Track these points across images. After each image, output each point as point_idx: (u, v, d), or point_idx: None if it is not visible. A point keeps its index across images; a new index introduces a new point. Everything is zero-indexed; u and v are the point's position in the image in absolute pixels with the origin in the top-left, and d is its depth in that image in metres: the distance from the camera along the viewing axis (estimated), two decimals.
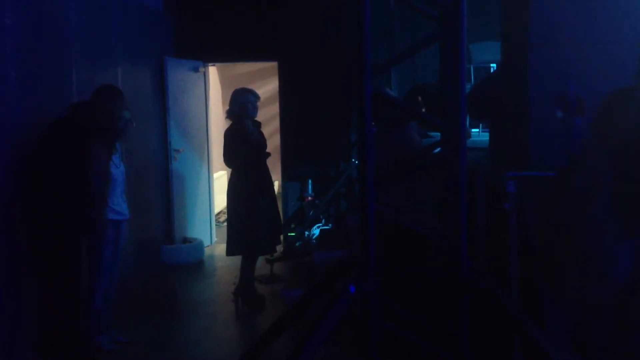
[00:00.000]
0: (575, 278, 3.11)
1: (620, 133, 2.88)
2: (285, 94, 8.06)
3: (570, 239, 3.09)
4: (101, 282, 4.50)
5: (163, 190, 7.24)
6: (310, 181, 7.94)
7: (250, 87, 11.38)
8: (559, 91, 3.45)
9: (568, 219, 3.13)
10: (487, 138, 5.06)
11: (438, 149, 2.83)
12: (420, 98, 4.71)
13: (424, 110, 5.46)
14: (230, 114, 5.65)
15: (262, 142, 5.68)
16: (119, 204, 4.62)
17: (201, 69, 7.87)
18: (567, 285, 3.23)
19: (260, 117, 11.24)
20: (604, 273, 2.85)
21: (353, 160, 7.78)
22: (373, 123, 2.97)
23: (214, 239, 8.12)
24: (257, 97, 5.72)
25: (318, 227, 7.75)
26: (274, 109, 8.72)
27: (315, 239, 7.54)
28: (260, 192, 5.53)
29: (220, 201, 9.60)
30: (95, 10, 5.64)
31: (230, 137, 5.59)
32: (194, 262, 7.17)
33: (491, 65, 6.86)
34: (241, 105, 5.56)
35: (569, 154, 3.28)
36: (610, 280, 2.82)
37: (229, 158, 5.63)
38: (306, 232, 7.63)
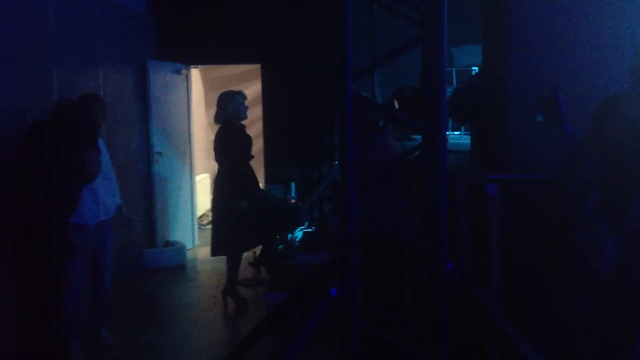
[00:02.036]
0: (562, 273, 3.17)
1: (610, 137, 2.93)
2: (269, 97, 8.05)
3: (562, 236, 3.17)
4: (70, 286, 4.41)
5: (145, 193, 7.19)
6: (293, 184, 7.93)
7: (233, 89, 11.41)
8: (540, 95, 3.48)
9: (562, 218, 3.21)
10: (469, 141, 5.10)
11: (417, 153, 2.84)
12: (395, 102, 4.74)
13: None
14: (222, 116, 5.67)
15: (250, 143, 5.77)
16: (102, 202, 4.56)
17: (183, 72, 7.84)
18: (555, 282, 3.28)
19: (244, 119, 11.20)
20: (593, 266, 2.91)
21: (336, 162, 7.78)
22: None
23: (197, 242, 8.08)
24: (245, 97, 5.85)
25: (301, 229, 7.73)
26: (257, 111, 8.71)
27: (299, 241, 7.52)
28: (244, 193, 5.56)
29: (202, 204, 9.57)
30: (76, 12, 5.60)
31: (224, 139, 5.61)
32: (176, 266, 7.14)
33: (473, 68, 6.92)
34: (235, 107, 5.62)
35: (563, 159, 3.33)
36: (599, 272, 2.88)
37: (222, 159, 5.67)
38: (289, 235, 7.61)
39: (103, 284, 4.70)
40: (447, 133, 6.99)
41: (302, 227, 7.74)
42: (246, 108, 5.79)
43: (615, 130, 2.90)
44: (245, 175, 5.65)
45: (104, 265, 4.68)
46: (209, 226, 9.25)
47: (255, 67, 8.52)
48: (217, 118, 5.76)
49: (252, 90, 10.22)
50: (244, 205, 5.53)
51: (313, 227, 7.85)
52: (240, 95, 5.77)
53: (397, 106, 4.73)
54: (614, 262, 2.80)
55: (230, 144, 5.61)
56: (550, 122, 3.36)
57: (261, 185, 8.45)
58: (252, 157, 5.79)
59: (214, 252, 5.78)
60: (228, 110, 5.64)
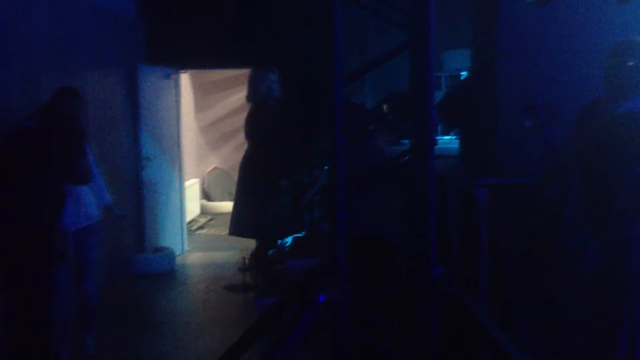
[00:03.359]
0: (548, 276, 3.19)
1: (588, 142, 2.96)
2: None
3: (545, 240, 3.19)
4: (56, 292, 4.35)
5: (134, 198, 7.16)
6: None
7: (223, 94, 11.41)
8: (528, 100, 3.50)
9: (544, 222, 3.23)
10: (458, 145, 5.11)
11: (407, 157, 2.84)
12: (384, 106, 4.76)
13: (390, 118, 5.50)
14: (255, 95, 5.66)
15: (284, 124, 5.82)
16: (84, 208, 4.51)
17: (173, 76, 7.82)
18: (540, 285, 3.30)
19: (235, 123, 11.21)
20: (575, 269, 2.93)
21: (326, 167, 7.77)
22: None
23: (186, 247, 8.05)
24: (277, 76, 5.84)
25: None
26: None
27: (289, 246, 7.51)
28: (284, 171, 5.57)
29: (192, 209, 9.55)
30: (65, 16, 5.58)
31: (259, 118, 5.61)
32: (166, 272, 7.09)
33: (462, 73, 6.94)
34: (268, 86, 5.61)
35: (545, 164, 3.35)
36: (580, 275, 2.90)
37: (256, 139, 5.66)
38: (279, 240, 7.60)
39: (87, 292, 4.64)
40: (437, 137, 7.03)
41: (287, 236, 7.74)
42: (279, 87, 5.73)
43: (593, 134, 2.94)
44: (282, 154, 5.61)
45: (87, 271, 4.60)
46: (199, 231, 9.27)
47: (246, 72, 8.50)
48: (250, 97, 5.74)
49: (242, 95, 10.20)
50: (284, 183, 5.50)
51: (303, 232, 7.85)
52: (273, 73, 5.75)
53: (386, 110, 4.75)
54: (595, 265, 2.82)
55: (265, 123, 5.57)
56: (536, 127, 3.38)
57: None
58: (288, 138, 5.78)
59: (233, 231, 5.75)
60: (261, 89, 5.63)
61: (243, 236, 5.72)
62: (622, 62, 2.89)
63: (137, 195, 7.21)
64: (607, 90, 2.99)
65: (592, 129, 2.96)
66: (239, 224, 5.67)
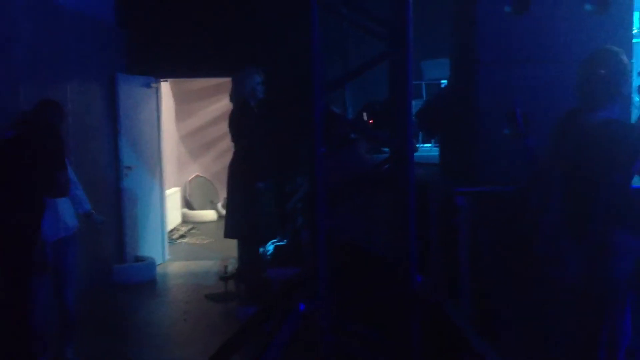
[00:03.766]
0: (528, 283, 3.22)
1: (567, 150, 2.99)
2: None
3: (525, 248, 3.22)
4: (35, 303, 4.30)
5: (114, 208, 7.10)
6: None
7: (204, 102, 11.38)
8: (508, 108, 3.54)
9: (524, 230, 3.26)
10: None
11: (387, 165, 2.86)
12: (364, 115, 4.78)
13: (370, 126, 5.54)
14: (237, 95, 5.66)
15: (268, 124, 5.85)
16: (62, 219, 4.47)
17: (153, 85, 7.79)
18: (521, 292, 3.32)
19: (216, 132, 11.17)
20: (555, 277, 2.96)
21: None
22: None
23: (167, 257, 8.00)
24: (262, 78, 5.85)
25: (273, 243, 7.71)
26: None
27: (270, 255, 7.49)
28: (261, 176, 5.56)
29: (173, 218, 9.49)
30: (45, 24, 5.54)
31: (239, 119, 5.65)
32: (146, 281, 7.04)
33: (442, 81, 6.99)
34: (252, 86, 5.61)
35: (524, 172, 3.38)
36: (561, 283, 2.93)
37: (237, 140, 5.72)
38: (260, 249, 7.58)
39: (66, 303, 4.59)
40: (418, 145, 7.07)
41: (274, 240, 7.73)
42: (263, 88, 5.74)
43: (572, 143, 2.97)
44: (263, 156, 5.62)
45: (65, 282, 4.56)
46: (180, 240, 9.22)
47: (227, 81, 8.50)
48: (233, 97, 5.74)
49: (223, 104, 10.20)
50: (260, 186, 5.50)
51: (285, 241, 7.83)
52: (258, 74, 5.75)
53: (366, 118, 4.77)
54: (575, 273, 2.85)
55: (244, 124, 5.56)
56: (515, 135, 3.41)
57: None
58: (271, 139, 5.80)
59: (227, 234, 5.82)
60: (244, 89, 5.63)
61: (232, 238, 5.77)
62: (594, 72, 2.93)
63: (117, 205, 7.16)
64: (581, 99, 3.03)
65: (571, 138, 3.00)
66: (227, 226, 5.73)
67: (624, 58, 2.98)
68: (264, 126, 5.68)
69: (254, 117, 5.63)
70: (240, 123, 5.60)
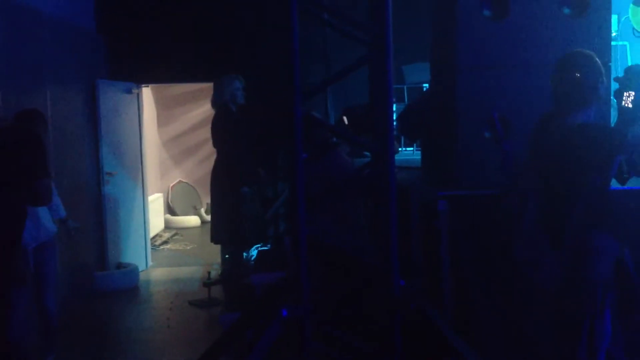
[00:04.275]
0: (508, 287, 3.24)
1: (544, 154, 3.01)
2: None
3: (504, 252, 3.23)
4: (15, 314, 4.24)
5: (95, 214, 7.04)
6: None
7: (186, 107, 11.34)
8: (488, 112, 3.55)
9: (503, 234, 3.28)
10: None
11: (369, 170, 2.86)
12: (345, 119, 4.80)
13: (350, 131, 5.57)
14: (218, 101, 5.70)
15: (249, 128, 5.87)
16: (43, 224, 4.42)
17: (134, 91, 7.75)
18: (501, 296, 3.34)
19: (199, 137, 11.13)
20: (534, 281, 2.98)
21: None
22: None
23: (150, 263, 7.95)
24: (242, 83, 5.97)
25: (256, 248, 7.69)
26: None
27: (254, 260, 7.47)
28: (244, 179, 5.59)
29: (155, 224, 9.43)
30: (23, 30, 5.49)
31: (220, 124, 5.67)
32: (129, 288, 6.98)
33: (424, 85, 7.03)
34: (231, 92, 5.65)
35: (504, 177, 3.40)
36: (538, 286, 2.95)
37: (219, 145, 5.77)
38: (244, 254, 7.56)
39: (48, 309, 4.53)
40: (400, 149, 7.09)
41: (258, 245, 7.71)
42: (243, 94, 5.80)
43: (549, 147, 2.99)
44: (245, 160, 5.65)
45: (47, 288, 4.50)
46: (163, 246, 9.17)
47: (208, 86, 8.48)
48: (214, 103, 5.79)
49: (205, 109, 10.17)
50: (245, 190, 5.52)
51: (268, 246, 7.81)
52: (239, 80, 5.81)
53: (346, 122, 4.78)
54: (553, 277, 2.87)
55: (225, 129, 5.60)
56: (496, 141, 3.44)
57: None
58: (255, 143, 5.84)
59: (213, 238, 5.90)
60: (224, 95, 5.69)
61: (218, 243, 5.82)
62: (568, 75, 2.95)
63: (99, 211, 7.11)
64: (556, 103, 3.05)
65: (547, 142, 3.02)
66: (212, 231, 5.76)
67: (597, 60, 3.00)
68: (245, 131, 5.70)
69: (234, 122, 5.66)
70: (222, 128, 5.63)
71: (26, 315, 4.35)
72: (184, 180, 10.99)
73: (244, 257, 6.55)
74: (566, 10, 3.78)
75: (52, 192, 4.32)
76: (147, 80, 8.12)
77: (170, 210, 10.77)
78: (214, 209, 5.87)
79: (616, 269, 2.86)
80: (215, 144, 5.74)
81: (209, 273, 6.41)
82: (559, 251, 2.88)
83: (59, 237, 4.72)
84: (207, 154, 10.24)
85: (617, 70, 4.95)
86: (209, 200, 7.04)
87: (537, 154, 3.06)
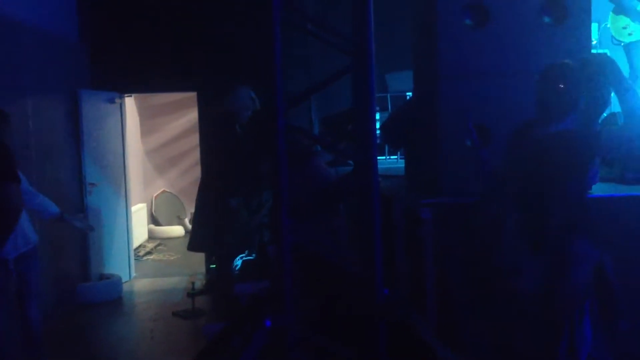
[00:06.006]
0: (492, 294, 3.25)
1: (523, 161, 3.04)
2: (205, 125, 7.98)
3: (485, 259, 3.25)
4: None
5: None
6: None
7: (169, 117, 11.30)
8: (472, 121, 3.58)
9: (484, 241, 3.29)
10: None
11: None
12: (323, 128, 4.82)
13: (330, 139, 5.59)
14: (226, 111, 5.70)
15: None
16: (22, 233, 4.34)
17: (117, 100, 7.71)
18: (483, 303, 3.35)
19: (182, 147, 11.09)
20: (514, 288, 2.99)
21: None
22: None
23: (133, 274, 7.89)
24: (255, 102, 5.90)
25: (241, 258, 7.65)
26: (194, 139, 8.62)
27: (238, 270, 7.43)
28: (232, 192, 5.58)
29: (139, 235, 9.37)
30: (3, 40, 5.45)
31: (220, 134, 5.75)
32: (112, 300, 6.92)
33: (407, 93, 7.05)
34: (241, 107, 5.64)
35: (481, 183, 3.42)
36: (518, 292, 2.96)
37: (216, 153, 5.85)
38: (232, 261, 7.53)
39: (31, 319, 4.45)
40: (383, 158, 7.11)
41: (242, 255, 7.68)
42: (248, 113, 5.79)
43: (526, 155, 3.02)
44: (238, 172, 5.63)
45: (30, 297, 4.43)
46: (147, 257, 9.11)
47: (191, 95, 8.46)
48: (219, 111, 5.79)
49: (189, 118, 10.15)
50: (233, 204, 5.48)
51: (253, 255, 7.78)
52: (253, 100, 5.78)
53: (325, 132, 4.79)
54: (533, 283, 2.88)
55: (228, 139, 5.58)
56: (475, 149, 3.46)
57: None
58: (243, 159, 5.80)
59: (191, 246, 5.85)
60: (235, 106, 5.67)
61: (195, 251, 5.80)
62: (553, 86, 2.99)
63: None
64: (539, 112, 3.08)
65: (526, 149, 3.05)
66: (192, 238, 5.75)
67: (582, 72, 3.04)
68: (244, 145, 5.69)
69: (236, 134, 5.65)
70: (223, 138, 5.62)
71: (7, 326, 4.28)
72: (167, 190, 10.94)
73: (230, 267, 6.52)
74: (546, 19, 3.82)
75: (30, 196, 4.26)
76: (130, 90, 8.09)
77: (154, 220, 10.71)
78: (197, 218, 5.85)
79: (596, 275, 2.88)
80: (210, 153, 5.75)
81: (193, 283, 6.38)
82: (538, 257, 2.90)
83: (43, 250, 4.65)
84: (191, 163, 10.19)
85: None
86: (192, 210, 7.01)
87: (517, 160, 3.09)
